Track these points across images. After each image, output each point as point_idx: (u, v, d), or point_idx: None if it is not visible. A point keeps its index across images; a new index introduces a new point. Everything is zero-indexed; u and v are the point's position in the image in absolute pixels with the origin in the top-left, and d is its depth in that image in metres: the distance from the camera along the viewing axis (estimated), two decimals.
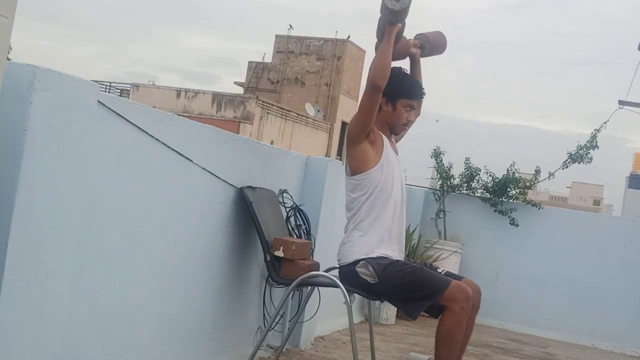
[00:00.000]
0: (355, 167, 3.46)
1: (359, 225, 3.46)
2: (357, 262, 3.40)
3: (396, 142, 3.72)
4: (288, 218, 4.27)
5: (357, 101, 34.76)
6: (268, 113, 27.33)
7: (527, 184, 7.46)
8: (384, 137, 3.51)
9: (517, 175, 7.43)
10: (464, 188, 7.49)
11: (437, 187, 7.63)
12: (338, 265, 3.57)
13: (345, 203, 3.57)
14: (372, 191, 3.44)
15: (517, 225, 7.18)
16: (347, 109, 32.31)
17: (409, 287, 3.31)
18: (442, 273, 3.42)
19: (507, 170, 7.40)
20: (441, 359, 3.27)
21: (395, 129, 3.58)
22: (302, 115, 29.48)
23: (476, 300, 3.39)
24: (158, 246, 3.15)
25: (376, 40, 3.50)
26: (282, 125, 28.21)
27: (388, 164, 3.47)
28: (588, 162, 7.38)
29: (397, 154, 3.63)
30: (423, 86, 3.64)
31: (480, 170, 7.46)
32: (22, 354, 2.33)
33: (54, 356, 2.49)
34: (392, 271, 3.32)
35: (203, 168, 3.39)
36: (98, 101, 2.55)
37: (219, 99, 27.04)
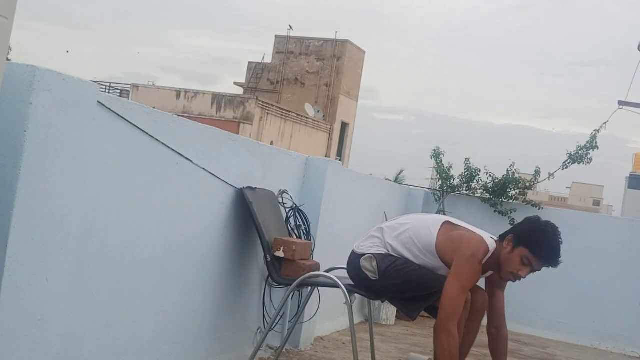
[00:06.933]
0: (440, 249, 3.36)
1: (396, 248, 3.44)
2: (363, 254, 3.42)
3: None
4: (288, 218, 4.27)
5: (357, 101, 34.73)
6: (268, 113, 27.32)
7: (527, 184, 7.46)
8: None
9: (516, 175, 7.42)
10: (464, 188, 7.49)
11: (437, 188, 7.63)
12: (352, 251, 3.57)
13: (408, 234, 3.45)
14: (424, 262, 3.40)
15: None
16: (347, 109, 32.31)
17: (407, 287, 3.32)
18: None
19: (507, 170, 7.40)
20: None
21: (502, 275, 3.35)
22: (301, 116, 29.47)
23: (481, 307, 3.39)
24: (158, 247, 3.15)
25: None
26: (282, 125, 28.20)
27: None
28: (588, 162, 7.37)
29: None
30: (559, 258, 3.27)
31: (480, 171, 7.46)
32: (22, 354, 2.33)
33: (54, 356, 2.49)
34: (392, 270, 3.34)
35: (203, 168, 3.39)
36: (98, 102, 2.55)
37: (218, 99, 27.02)
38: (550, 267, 3.30)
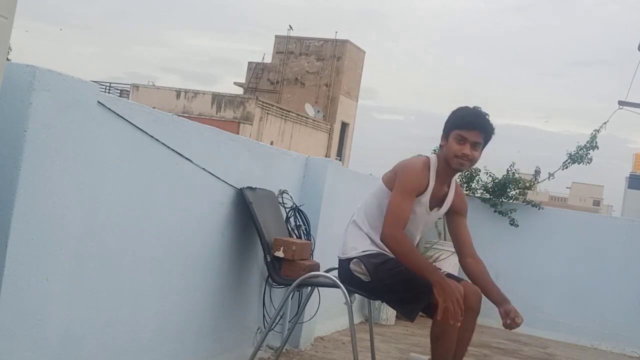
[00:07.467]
0: (388, 184, 3.43)
1: (363, 223, 3.49)
2: (351, 259, 3.43)
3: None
4: (288, 218, 4.27)
5: (357, 101, 34.62)
6: (268, 113, 27.33)
7: (527, 184, 7.47)
8: (430, 187, 3.40)
9: (516, 175, 7.43)
10: (464, 188, 7.48)
11: None
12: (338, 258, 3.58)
13: (365, 202, 3.55)
14: None
15: (517, 225, 7.18)
16: (347, 109, 32.34)
17: (401, 286, 3.31)
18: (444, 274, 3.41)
19: (507, 170, 7.41)
20: (438, 359, 3.28)
21: (452, 164, 3.38)
22: (301, 116, 29.49)
23: (475, 304, 3.39)
24: (158, 247, 3.15)
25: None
26: (282, 125, 28.22)
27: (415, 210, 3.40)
28: (588, 162, 7.38)
29: (438, 207, 3.49)
30: (481, 117, 3.36)
31: (479, 171, 7.46)
32: (22, 354, 2.33)
33: (54, 356, 2.49)
34: (384, 269, 3.34)
35: (203, 168, 3.39)
36: (98, 102, 2.55)
37: (218, 99, 27.05)
38: (486, 134, 3.37)
